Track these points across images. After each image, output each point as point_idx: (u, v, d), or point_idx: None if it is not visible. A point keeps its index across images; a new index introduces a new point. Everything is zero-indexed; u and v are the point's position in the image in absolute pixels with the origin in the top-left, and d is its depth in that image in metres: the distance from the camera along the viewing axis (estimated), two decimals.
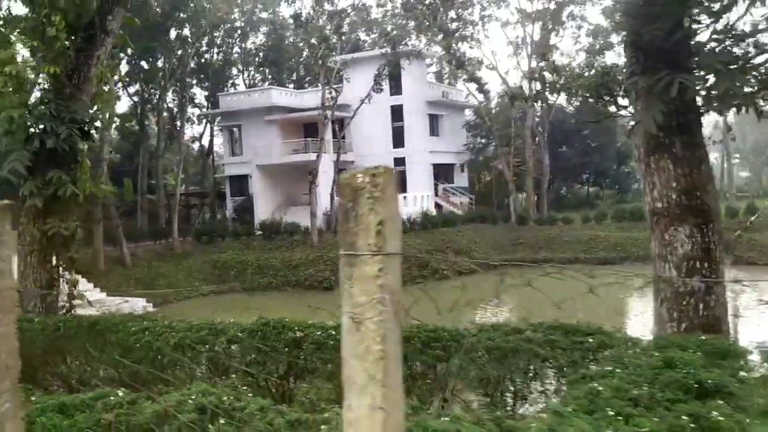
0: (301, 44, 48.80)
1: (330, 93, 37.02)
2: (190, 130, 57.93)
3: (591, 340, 4.11)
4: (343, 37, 42.03)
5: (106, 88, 9.11)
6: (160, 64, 44.41)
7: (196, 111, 54.40)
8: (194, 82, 51.92)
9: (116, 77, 23.46)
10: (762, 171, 68.42)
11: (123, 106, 50.45)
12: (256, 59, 54.90)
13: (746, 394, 3.11)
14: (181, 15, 43.02)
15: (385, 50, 38.80)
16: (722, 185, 45.48)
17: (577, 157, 52.95)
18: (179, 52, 44.47)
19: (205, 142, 54.87)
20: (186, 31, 44.94)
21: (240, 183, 43.89)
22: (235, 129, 44.97)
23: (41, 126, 8.06)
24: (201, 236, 38.31)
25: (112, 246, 34.33)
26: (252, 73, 57.87)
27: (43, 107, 8.09)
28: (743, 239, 32.40)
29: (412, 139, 43.15)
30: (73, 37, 8.22)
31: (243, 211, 42.29)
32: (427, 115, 44.81)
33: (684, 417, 2.74)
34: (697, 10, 4.92)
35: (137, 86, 46.27)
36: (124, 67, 44.72)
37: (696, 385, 3.07)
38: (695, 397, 3.02)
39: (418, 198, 39.98)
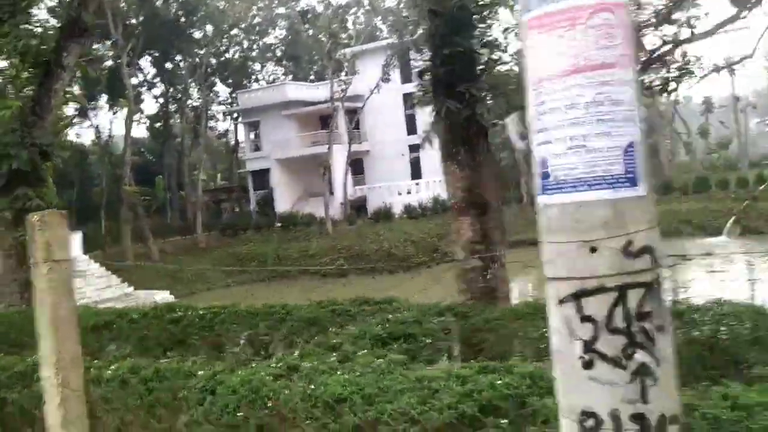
0: (316, 38, 49.97)
1: (340, 85, 38.18)
2: (217, 127, 60.06)
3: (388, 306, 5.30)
4: (352, 30, 43.10)
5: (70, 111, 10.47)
6: (182, 64, 46.27)
7: (222, 108, 56.40)
8: (217, 80, 53.79)
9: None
10: None
11: (150, 107, 52.68)
12: (276, 55, 56.41)
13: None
14: (198, 16, 44.61)
15: (391, 40, 39.67)
16: (728, 155, 45.10)
17: None
18: (201, 52, 46.22)
19: (231, 138, 56.90)
20: (205, 31, 46.66)
21: (261, 177, 45.55)
22: (254, 125, 46.57)
23: (9, 151, 9.49)
24: (225, 230, 40.12)
25: (142, 243, 36.40)
26: (273, 68, 59.50)
27: (9, 136, 9.50)
28: (751, 209, 32.51)
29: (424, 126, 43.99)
30: (33, 73, 9.59)
31: (264, 204, 43.96)
32: None
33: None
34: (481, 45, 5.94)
35: (162, 87, 48.30)
36: (148, 68, 46.72)
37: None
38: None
39: (431, 184, 40.91)
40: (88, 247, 34.23)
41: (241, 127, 52.65)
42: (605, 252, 1.69)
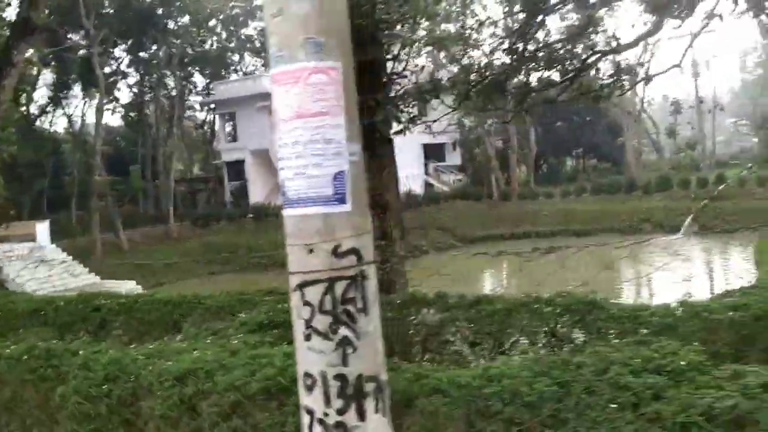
0: None
1: None
2: (196, 117, 60.06)
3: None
4: None
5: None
6: (159, 54, 46.22)
7: (199, 99, 56.41)
8: (195, 70, 53.76)
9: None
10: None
11: (126, 96, 52.58)
12: (255, 46, 56.47)
13: None
14: (173, 6, 44.56)
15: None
16: (694, 155, 46.16)
17: (568, 131, 53.91)
18: (177, 42, 46.22)
19: (209, 129, 56.97)
20: (179, 22, 46.66)
21: (237, 168, 45.82)
22: (230, 116, 46.80)
23: None
24: (197, 220, 40.39)
25: (112, 233, 36.56)
26: (253, 60, 59.54)
27: None
28: (709, 209, 33.45)
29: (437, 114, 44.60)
30: None
31: (239, 195, 44.28)
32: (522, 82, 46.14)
33: None
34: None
35: (137, 77, 48.25)
36: (123, 57, 46.66)
37: None
38: None
39: (403, 178, 41.45)
40: (59, 237, 34.38)
41: (218, 118, 52.78)
42: (319, 253, 2.25)
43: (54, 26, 37.64)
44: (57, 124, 50.54)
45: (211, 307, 5.83)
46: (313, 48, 2.22)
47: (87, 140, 41.89)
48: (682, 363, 2.81)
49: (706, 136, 46.59)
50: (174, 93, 49.78)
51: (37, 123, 45.76)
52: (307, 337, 2.28)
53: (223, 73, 54.49)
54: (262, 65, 58.07)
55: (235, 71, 56.88)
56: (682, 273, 19.16)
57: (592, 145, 55.04)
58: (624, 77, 12.57)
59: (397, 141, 31.48)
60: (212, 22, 51.56)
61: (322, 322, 2.25)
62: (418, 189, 42.32)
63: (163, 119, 48.03)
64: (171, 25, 46.29)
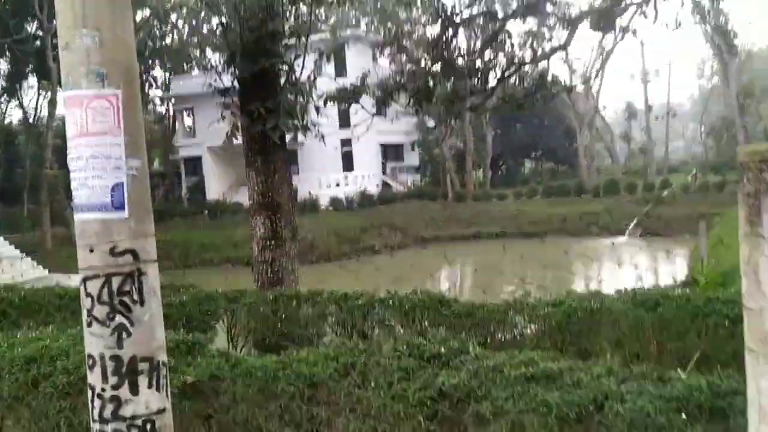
0: None
1: None
2: (154, 112, 59.56)
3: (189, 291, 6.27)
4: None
5: None
6: None
7: (159, 93, 56.01)
8: (155, 63, 53.36)
9: None
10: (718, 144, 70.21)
11: None
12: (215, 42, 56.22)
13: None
14: None
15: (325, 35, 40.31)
16: (647, 160, 47.46)
17: (527, 134, 54.94)
18: (138, 34, 45.83)
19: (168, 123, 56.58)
20: (141, 14, 46.27)
21: (194, 164, 45.73)
22: (189, 111, 46.63)
23: None
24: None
25: (64, 226, 36.24)
26: (215, 54, 59.22)
27: None
28: (652, 213, 34.54)
29: (357, 119, 44.90)
30: None
31: (196, 191, 44.19)
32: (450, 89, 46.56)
33: None
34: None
35: None
36: None
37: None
38: None
39: (359, 177, 41.88)
40: (10, 230, 34.02)
41: (177, 113, 52.51)
42: (99, 252, 2.64)
43: (6, 16, 37.21)
44: (12, 115, 49.88)
45: None
46: (95, 77, 2.60)
47: (42, 132, 41.37)
48: (442, 349, 3.27)
49: (654, 142, 47.89)
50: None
51: None
52: (89, 324, 2.66)
53: (185, 68, 54.23)
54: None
55: (197, 66, 56.68)
56: (606, 274, 19.91)
57: (550, 148, 56.20)
58: (545, 87, 13.17)
59: (356, 140, 31.73)
60: (173, 16, 51.32)
61: (100, 311, 2.63)
62: (373, 189, 42.72)
63: None
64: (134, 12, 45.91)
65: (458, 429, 2.91)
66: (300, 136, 37.58)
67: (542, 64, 13.09)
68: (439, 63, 11.69)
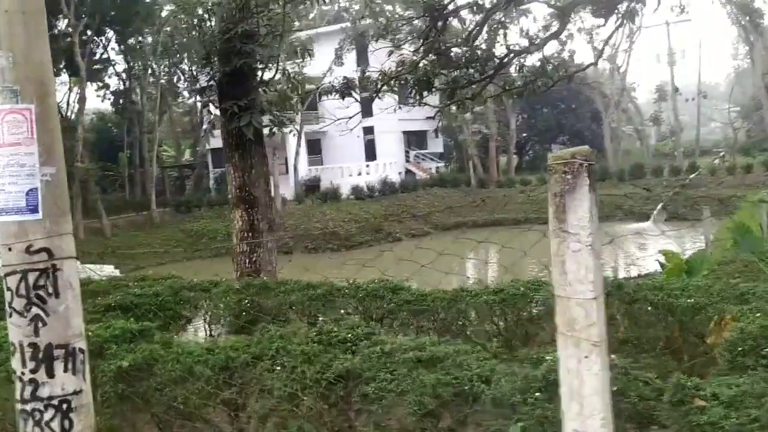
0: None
1: (293, 67, 39.08)
2: (185, 104, 60.60)
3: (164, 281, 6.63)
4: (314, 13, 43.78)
5: None
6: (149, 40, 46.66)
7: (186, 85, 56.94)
8: (183, 57, 54.16)
9: None
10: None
11: (114, 82, 53.10)
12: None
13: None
14: None
15: (345, 25, 40.57)
16: (675, 143, 46.59)
17: (553, 118, 54.42)
18: (168, 29, 46.60)
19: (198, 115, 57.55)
20: (164, 10, 47.02)
21: (221, 155, 46.39)
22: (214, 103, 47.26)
23: None
24: (180, 206, 41.14)
25: (96, 218, 37.38)
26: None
27: None
28: (679, 197, 34.07)
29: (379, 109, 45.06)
30: None
31: (223, 182, 44.92)
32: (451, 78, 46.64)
33: None
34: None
35: (125, 64, 48.81)
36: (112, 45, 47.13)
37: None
38: None
39: (381, 166, 42.11)
40: None
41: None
42: (15, 251, 2.95)
43: None
44: None
45: (91, 290, 6.57)
46: (9, 94, 2.91)
47: (75, 127, 42.54)
48: (349, 335, 3.53)
49: (682, 126, 47.00)
50: (162, 80, 50.32)
51: None
52: (10, 315, 2.98)
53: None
54: None
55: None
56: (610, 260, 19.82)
57: (577, 132, 55.55)
58: (546, 75, 13.20)
59: (379, 129, 32.29)
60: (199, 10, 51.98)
61: (18, 303, 2.95)
62: (395, 177, 42.89)
63: (151, 106, 48.65)
64: (159, 12, 46.66)
65: (348, 408, 3.18)
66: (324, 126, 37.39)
67: (543, 52, 13.10)
68: (433, 54, 11.82)
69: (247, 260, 7.33)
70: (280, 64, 8.97)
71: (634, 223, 33.91)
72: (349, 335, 3.53)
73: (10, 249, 2.97)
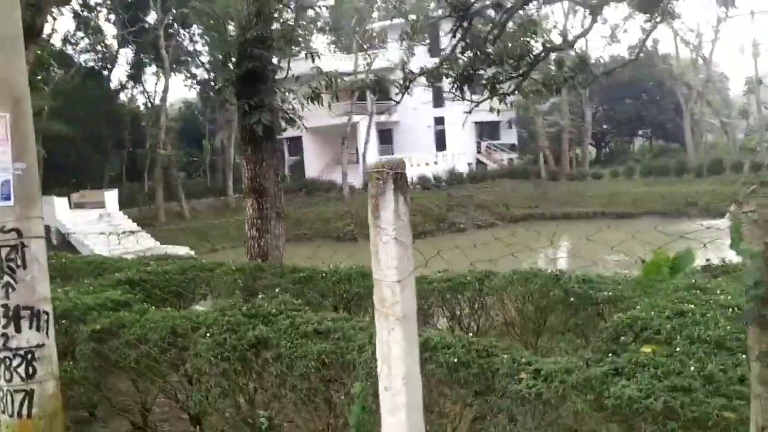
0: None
1: (366, 59, 39.91)
2: None
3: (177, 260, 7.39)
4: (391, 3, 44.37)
5: None
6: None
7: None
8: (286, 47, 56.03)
9: None
10: None
11: (200, 72, 55.62)
12: (320, 26, 58.24)
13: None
14: None
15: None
16: (759, 138, 44.16)
17: (634, 109, 52.69)
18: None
19: None
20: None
21: (295, 144, 48.01)
22: (292, 92, 48.74)
23: None
24: None
25: (176, 202, 39.61)
26: (322, 38, 61.35)
27: None
28: (758, 194, 32.58)
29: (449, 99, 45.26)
30: None
31: (297, 169, 46.48)
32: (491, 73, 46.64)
33: None
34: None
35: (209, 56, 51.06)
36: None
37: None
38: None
39: (449, 156, 42.33)
40: (129, 205, 37.69)
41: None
42: None
43: (128, 9, 40.77)
44: (137, 99, 54.30)
45: (115, 268, 7.46)
46: None
47: (158, 115, 45.07)
48: (273, 310, 4.12)
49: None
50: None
51: (122, 98, 49.67)
52: None
53: (293, 51, 56.63)
54: (330, 43, 60.06)
55: (307, 50, 58.88)
56: None
57: (659, 124, 53.60)
58: (586, 70, 13.28)
59: (449, 119, 32.50)
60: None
61: None
62: (463, 167, 42.98)
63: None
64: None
65: (254, 368, 3.77)
66: (395, 116, 38.26)
67: (582, 49, 13.13)
68: (469, 50, 12.15)
69: (256, 245, 8.04)
70: (292, 66, 9.57)
71: (710, 220, 32.67)
72: (274, 310, 4.11)
73: None
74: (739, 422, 2.60)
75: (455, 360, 3.22)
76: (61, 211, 32.04)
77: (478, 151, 47.13)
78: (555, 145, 45.23)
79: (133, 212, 36.33)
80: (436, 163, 41.42)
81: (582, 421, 2.85)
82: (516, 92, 14.48)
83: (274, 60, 8.96)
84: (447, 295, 5.43)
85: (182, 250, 30.62)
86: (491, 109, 14.03)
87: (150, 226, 35.72)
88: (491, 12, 10.78)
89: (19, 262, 3.70)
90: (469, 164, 44.29)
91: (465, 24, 10.84)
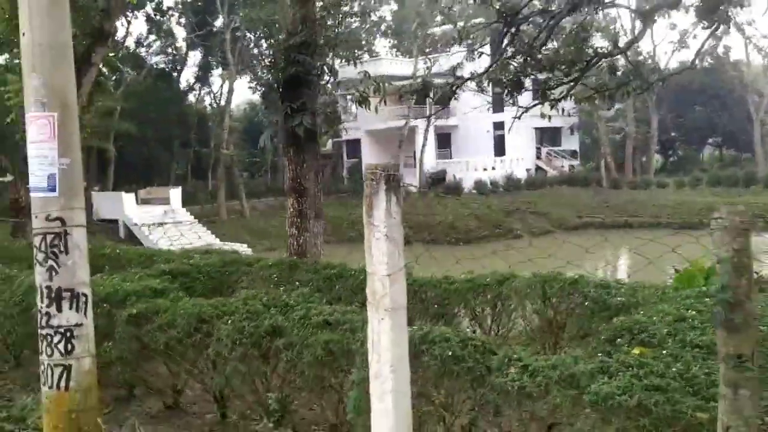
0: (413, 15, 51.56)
1: (426, 63, 40.10)
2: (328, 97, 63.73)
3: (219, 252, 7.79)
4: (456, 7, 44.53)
5: None
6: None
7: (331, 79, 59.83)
8: (329, 52, 57.04)
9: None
10: None
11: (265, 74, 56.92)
12: (382, 30, 58.81)
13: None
14: None
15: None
16: None
17: (704, 117, 50.98)
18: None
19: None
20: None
21: (354, 146, 48.65)
22: (350, 96, 49.45)
23: None
24: None
25: (237, 200, 40.76)
26: (384, 41, 61.93)
27: None
28: None
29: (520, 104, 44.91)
30: None
31: (355, 171, 47.07)
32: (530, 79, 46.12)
33: None
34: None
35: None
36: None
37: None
38: None
39: (507, 161, 42.01)
40: (193, 202, 39.05)
41: (341, 98, 55.72)
42: (40, 218, 4.08)
43: (196, 13, 42.28)
44: (204, 100, 56.12)
45: (163, 259, 7.93)
46: (39, 105, 4.03)
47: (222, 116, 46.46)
48: (291, 302, 4.37)
49: None
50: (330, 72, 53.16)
51: (190, 99, 51.49)
52: (36, 265, 4.13)
53: (357, 54, 57.39)
54: (392, 47, 60.56)
55: (369, 53, 59.67)
56: None
57: (730, 133, 51.68)
58: (641, 78, 13.13)
59: (509, 124, 31.69)
60: (346, 8, 54.51)
61: (40, 256, 4.08)
62: (522, 173, 42.57)
63: None
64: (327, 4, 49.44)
65: (270, 353, 4.04)
66: (454, 120, 38.29)
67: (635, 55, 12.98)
68: (519, 56, 12.21)
69: (295, 242, 8.37)
70: (350, 69, 9.86)
71: None
72: (291, 301, 4.36)
73: (36, 217, 4.11)
74: (711, 422, 2.68)
75: (450, 354, 3.38)
76: (128, 206, 33.50)
77: (538, 157, 46.57)
78: (618, 152, 44.27)
79: (196, 209, 37.60)
80: (493, 168, 41.20)
81: (562, 414, 2.97)
82: (567, 98, 14.40)
83: (332, 62, 9.28)
84: (468, 296, 5.57)
85: (240, 247, 31.53)
86: (542, 115, 13.96)
87: (212, 222, 36.93)
88: (539, 18, 10.78)
89: (62, 248, 4.06)
90: (527, 170, 43.83)
91: (513, 30, 10.91)
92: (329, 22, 9.34)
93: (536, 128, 46.17)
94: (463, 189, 38.93)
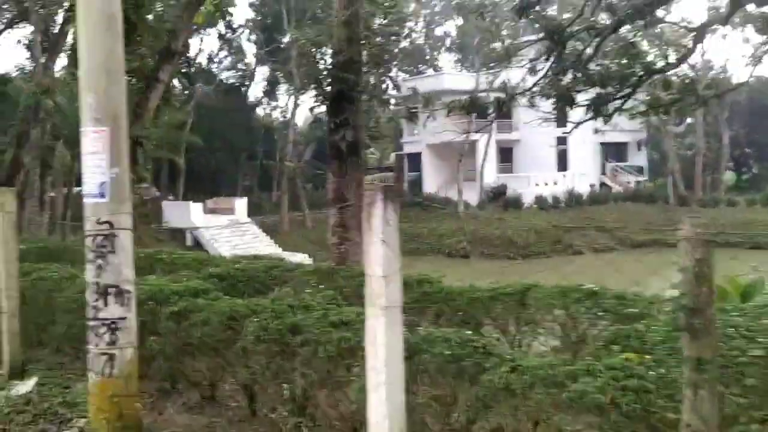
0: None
1: (488, 77, 40.12)
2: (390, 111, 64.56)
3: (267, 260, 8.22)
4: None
5: None
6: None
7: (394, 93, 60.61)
8: (392, 66, 57.86)
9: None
10: None
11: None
12: (446, 44, 59.25)
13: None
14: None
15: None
16: None
17: None
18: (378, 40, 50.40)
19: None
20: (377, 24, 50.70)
21: (415, 160, 49.01)
22: (412, 110, 49.86)
23: None
24: None
25: (300, 212, 41.74)
26: (448, 56, 62.34)
27: None
28: None
29: (574, 119, 44.29)
30: (136, 86, 13.52)
31: (415, 185, 47.40)
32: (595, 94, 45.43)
33: None
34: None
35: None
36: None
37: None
38: None
39: (570, 176, 41.43)
40: (257, 212, 40.25)
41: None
42: (91, 221, 4.55)
43: (265, 30, 43.77)
44: (271, 114, 57.76)
45: (214, 264, 8.45)
46: (94, 121, 4.52)
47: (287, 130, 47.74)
48: (313, 303, 4.70)
49: None
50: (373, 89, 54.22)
51: (257, 112, 53.18)
52: (87, 263, 4.61)
53: (420, 68, 57.92)
54: (456, 61, 60.84)
55: (432, 68, 60.14)
56: None
57: None
58: (695, 93, 13.00)
59: (573, 139, 31.79)
60: (410, 23, 55.18)
61: (91, 255, 4.55)
62: (584, 188, 41.86)
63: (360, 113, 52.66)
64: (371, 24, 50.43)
65: (288, 349, 4.37)
66: (516, 134, 38.02)
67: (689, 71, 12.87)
68: (568, 72, 12.31)
69: (337, 251, 8.75)
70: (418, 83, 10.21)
71: None
72: (314, 303, 4.69)
73: (88, 220, 4.59)
74: (679, 422, 2.84)
75: (449, 353, 3.63)
76: (195, 215, 34.84)
77: (603, 173, 45.72)
78: (688, 169, 42.99)
79: (260, 220, 38.74)
80: (555, 183, 40.72)
81: (543, 411, 3.18)
82: (619, 113, 14.32)
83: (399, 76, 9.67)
84: (490, 305, 5.77)
85: (300, 257, 32.23)
86: (596, 131, 13.93)
87: (275, 233, 37.94)
88: (585, 34, 10.87)
89: (110, 249, 4.52)
90: (591, 186, 43.08)
91: (558, 48, 11.03)
92: (377, 39, 9.71)
93: (602, 143, 45.39)
94: (523, 204, 38.62)
